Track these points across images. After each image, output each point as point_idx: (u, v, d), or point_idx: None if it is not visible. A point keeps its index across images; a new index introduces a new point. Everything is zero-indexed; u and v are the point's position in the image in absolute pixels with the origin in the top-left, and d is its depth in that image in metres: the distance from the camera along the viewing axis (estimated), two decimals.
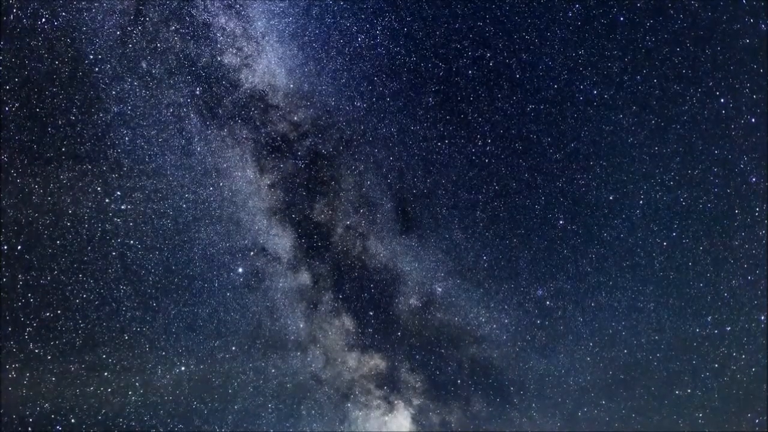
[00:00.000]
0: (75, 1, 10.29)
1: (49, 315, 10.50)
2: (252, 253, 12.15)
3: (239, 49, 11.51)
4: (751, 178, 11.96)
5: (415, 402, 13.06)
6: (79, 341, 10.76)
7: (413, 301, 12.88)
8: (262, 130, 11.95)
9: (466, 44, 12.09)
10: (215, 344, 11.93)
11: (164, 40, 11.03)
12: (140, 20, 10.79)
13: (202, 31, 11.25)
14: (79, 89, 10.48)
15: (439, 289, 12.86)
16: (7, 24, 9.87)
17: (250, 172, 12.04)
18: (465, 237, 12.71)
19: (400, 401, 13.03)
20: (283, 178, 12.24)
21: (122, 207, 11.02)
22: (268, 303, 12.31)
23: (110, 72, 10.68)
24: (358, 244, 12.65)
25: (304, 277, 12.57)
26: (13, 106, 10.01)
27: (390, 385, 12.97)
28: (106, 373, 11.00)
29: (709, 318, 12.43)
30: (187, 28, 11.16)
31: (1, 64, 9.85)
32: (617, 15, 11.88)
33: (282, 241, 12.36)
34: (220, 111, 11.60)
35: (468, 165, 12.50)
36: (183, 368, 11.67)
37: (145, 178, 11.17)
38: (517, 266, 12.84)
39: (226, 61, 11.47)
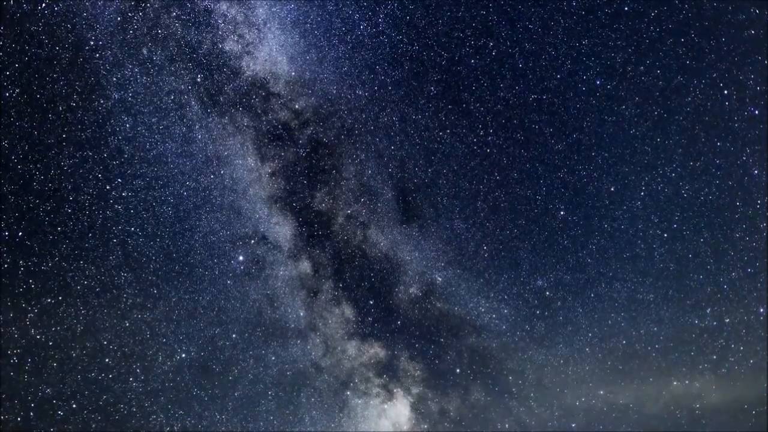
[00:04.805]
0: None
1: (50, 301, 10.53)
2: (253, 241, 12.18)
3: (240, 36, 11.46)
4: (753, 171, 11.94)
5: (414, 390, 13.15)
6: (80, 327, 10.81)
7: (413, 290, 12.92)
8: (263, 118, 11.93)
9: (469, 33, 12.02)
10: (216, 332, 11.99)
11: (165, 26, 10.97)
12: (141, 6, 10.73)
13: (203, 17, 11.20)
14: (79, 75, 10.44)
15: (440, 279, 12.90)
16: (7, 9, 9.81)
17: (251, 160, 12.03)
18: (466, 227, 12.72)
19: (399, 389, 13.11)
20: (284, 167, 12.23)
21: (123, 194, 11.02)
22: (269, 291, 12.35)
23: (111, 58, 10.64)
24: (358, 233, 12.67)
25: (305, 266, 12.61)
26: (13, 92, 9.98)
27: (389, 374, 13.04)
28: (107, 360, 11.07)
29: (709, 310, 12.46)
30: (188, 15, 11.10)
31: (1, 49, 9.80)
32: (621, 5, 11.80)
33: (283, 230, 12.39)
34: (221, 98, 11.57)
35: (469, 155, 12.48)
36: (183, 355, 11.73)
37: (145, 165, 11.17)
38: (518, 256, 12.87)
39: (227, 48, 11.42)
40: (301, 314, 12.60)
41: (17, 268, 10.19)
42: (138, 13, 10.70)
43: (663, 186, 12.33)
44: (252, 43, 11.53)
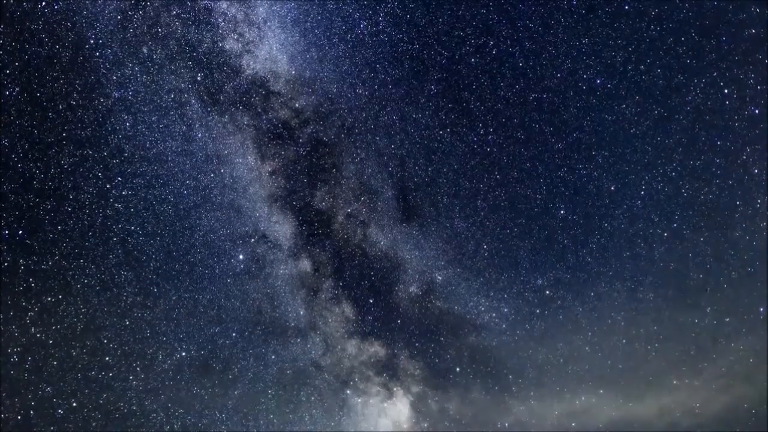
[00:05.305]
0: None
1: (51, 300, 10.54)
2: (253, 239, 12.18)
3: (240, 34, 11.45)
4: (753, 170, 11.93)
5: (414, 389, 13.16)
6: (80, 326, 10.81)
7: (413, 289, 12.93)
8: (264, 117, 11.93)
9: (470, 32, 12.01)
10: (216, 330, 12.00)
11: (165, 25, 10.96)
12: (141, 5, 10.72)
13: (203, 16, 11.19)
14: (79, 74, 10.44)
15: (440, 278, 12.90)
16: (8, 8, 9.80)
17: (251, 159, 12.03)
18: (466, 226, 12.72)
19: (399, 388, 13.13)
20: (284, 165, 12.23)
21: (123, 193, 11.02)
22: (269, 290, 12.36)
23: (111, 57, 10.64)
24: (358, 231, 12.68)
25: (305, 265, 12.61)
26: (13, 91, 9.98)
27: (389, 373, 13.06)
28: (107, 358, 11.07)
29: (709, 309, 12.47)
30: (188, 13, 11.09)
31: (1, 48, 9.80)
32: (622, 4, 11.79)
33: (283, 228, 12.39)
34: (221, 97, 11.56)
35: (469, 154, 12.48)
36: (183, 354, 11.74)
37: (145, 164, 11.17)
38: (518, 255, 12.87)
39: (227, 46, 11.42)
40: (301, 313, 12.62)
41: (17, 266, 10.19)
42: (138, 11, 10.70)
43: (663, 185, 12.34)
44: (252, 41, 11.53)
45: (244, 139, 11.87)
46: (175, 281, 11.63)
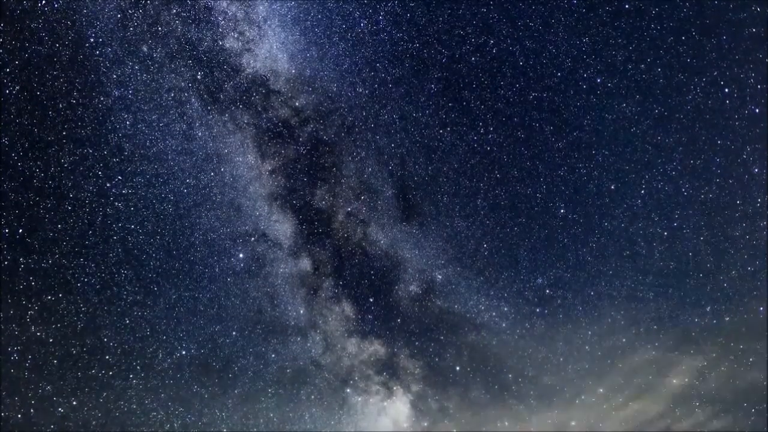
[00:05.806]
0: None
1: (51, 298, 10.54)
2: (253, 238, 12.18)
3: (241, 33, 11.44)
4: (753, 169, 11.94)
5: (414, 388, 13.16)
6: (80, 324, 10.82)
7: (413, 288, 12.93)
8: (264, 116, 11.92)
9: (470, 31, 12.01)
10: (216, 329, 11.99)
11: (165, 23, 10.96)
12: (141, 3, 10.71)
13: (203, 14, 11.18)
14: (79, 72, 10.43)
15: (440, 277, 12.90)
16: (8, 6, 9.79)
17: (252, 158, 12.02)
18: (466, 225, 12.73)
19: (399, 387, 13.13)
20: (284, 164, 12.23)
21: (123, 191, 11.02)
22: (269, 288, 12.36)
23: (111, 55, 10.63)
24: (358, 230, 12.68)
25: (305, 263, 12.61)
26: (13, 89, 9.97)
27: (389, 371, 13.06)
28: (107, 357, 11.08)
29: (708, 308, 12.47)
30: (189, 12, 11.08)
31: (1, 46, 9.79)
32: (622, 3, 11.78)
33: (283, 227, 12.39)
34: (221, 96, 11.56)
35: (470, 152, 12.48)
36: (183, 352, 11.74)
37: (146, 162, 11.17)
38: (518, 254, 12.87)
39: (227, 45, 11.41)
40: (301, 312, 12.62)
41: (18, 265, 10.20)
42: (138, 10, 10.69)
43: (663, 184, 12.34)
44: (252, 40, 11.52)
45: (244, 138, 11.88)
46: (175, 280, 11.64)
